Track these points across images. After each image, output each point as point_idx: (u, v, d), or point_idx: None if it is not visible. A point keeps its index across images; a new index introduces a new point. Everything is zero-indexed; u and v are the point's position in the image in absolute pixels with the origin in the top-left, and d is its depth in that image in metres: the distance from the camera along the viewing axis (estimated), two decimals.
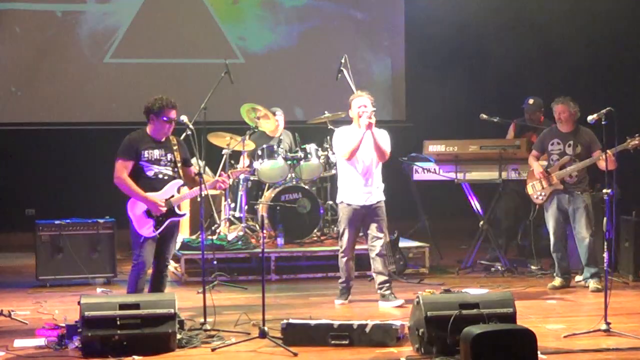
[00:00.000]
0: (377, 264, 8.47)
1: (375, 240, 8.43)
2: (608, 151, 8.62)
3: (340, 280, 8.62)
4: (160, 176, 7.46)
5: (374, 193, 8.39)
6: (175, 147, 7.55)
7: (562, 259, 9.23)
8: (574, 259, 9.39)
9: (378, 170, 8.44)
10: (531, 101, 10.44)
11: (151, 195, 7.38)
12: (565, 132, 9.14)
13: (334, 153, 10.60)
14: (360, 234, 8.63)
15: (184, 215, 7.77)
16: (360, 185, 8.35)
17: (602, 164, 8.41)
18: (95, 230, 9.61)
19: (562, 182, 9.10)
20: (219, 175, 8.02)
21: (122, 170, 7.38)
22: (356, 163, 8.34)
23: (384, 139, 8.39)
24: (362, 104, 8.32)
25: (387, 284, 8.49)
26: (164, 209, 7.40)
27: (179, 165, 7.55)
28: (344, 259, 8.47)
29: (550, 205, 9.21)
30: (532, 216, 9.80)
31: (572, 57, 13.32)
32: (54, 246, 9.49)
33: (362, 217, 8.40)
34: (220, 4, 13.38)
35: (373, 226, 8.42)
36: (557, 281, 9.24)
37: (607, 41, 13.17)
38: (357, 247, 8.71)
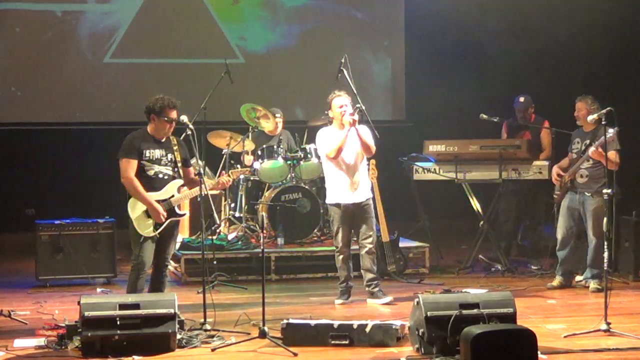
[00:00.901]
0: (365, 262, 8.52)
1: (365, 239, 8.49)
2: (593, 148, 8.67)
3: (339, 282, 8.64)
4: (161, 176, 7.46)
5: (361, 191, 8.46)
6: (175, 147, 7.56)
7: (566, 258, 9.21)
8: (574, 260, 9.36)
9: (363, 168, 8.52)
10: (522, 99, 10.45)
11: (152, 196, 7.37)
12: (586, 131, 9.10)
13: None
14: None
15: (183, 215, 7.78)
16: (347, 183, 8.41)
17: (603, 160, 8.41)
18: (95, 230, 9.60)
19: (572, 182, 9.08)
20: (219, 176, 8.02)
21: (129, 169, 7.38)
22: (341, 162, 8.40)
23: (367, 134, 8.45)
24: (342, 103, 8.40)
25: (375, 282, 8.54)
26: (163, 219, 7.39)
27: (179, 165, 7.56)
28: (340, 257, 8.51)
29: (563, 204, 9.20)
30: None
31: (572, 57, 13.32)
32: (54, 246, 9.48)
33: (352, 215, 8.45)
34: (220, 4, 13.38)
35: (363, 224, 8.48)
36: (556, 281, 9.23)
37: (607, 41, 13.16)
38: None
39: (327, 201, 8.62)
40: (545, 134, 10.36)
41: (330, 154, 8.37)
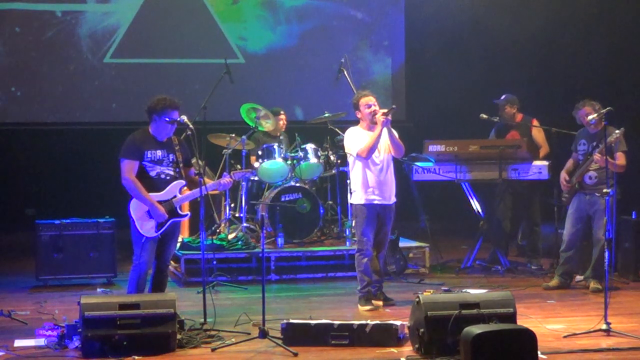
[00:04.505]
0: (377, 264, 8.44)
1: (383, 242, 8.42)
2: (598, 153, 8.66)
3: (361, 287, 8.31)
4: (163, 176, 7.45)
5: (390, 193, 8.33)
6: (176, 147, 7.54)
7: (568, 260, 9.16)
8: (577, 262, 9.34)
9: (392, 169, 8.39)
10: (502, 97, 10.44)
11: (154, 196, 7.36)
12: (592, 132, 9.06)
13: (334, 153, 10.62)
14: None
15: (186, 216, 7.75)
16: (376, 184, 8.25)
17: (609, 166, 8.39)
18: (95, 230, 9.59)
19: (580, 184, 9.05)
20: (220, 177, 8.02)
21: (129, 171, 7.36)
22: (372, 161, 8.24)
23: (396, 134, 8.36)
24: (371, 103, 8.26)
25: (380, 284, 8.49)
26: (165, 220, 7.39)
27: (180, 165, 7.55)
28: (365, 260, 8.25)
29: (570, 206, 9.17)
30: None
31: (574, 57, 13.32)
32: (54, 246, 9.47)
33: (377, 216, 8.29)
34: (220, 4, 13.39)
35: (384, 227, 8.36)
36: (554, 281, 9.21)
37: (609, 41, 13.17)
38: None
39: (354, 201, 8.37)
40: (536, 131, 10.35)
41: (362, 153, 8.16)
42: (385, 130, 8.16)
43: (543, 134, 10.28)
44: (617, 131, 8.53)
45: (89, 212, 10.04)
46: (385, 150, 8.28)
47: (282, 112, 11.03)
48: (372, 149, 8.16)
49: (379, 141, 8.17)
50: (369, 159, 8.21)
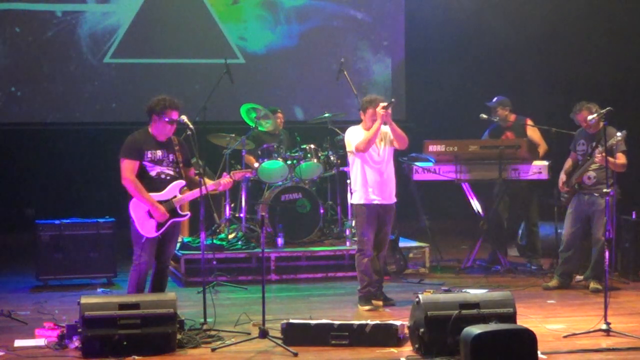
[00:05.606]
0: (377, 264, 8.44)
1: (383, 242, 8.41)
2: (598, 151, 8.66)
3: (361, 287, 8.33)
4: (163, 176, 7.45)
5: (390, 192, 8.33)
6: (176, 148, 7.54)
7: (567, 260, 9.17)
8: (576, 262, 9.33)
9: (392, 168, 8.37)
10: (494, 99, 10.42)
11: (154, 196, 7.36)
12: (591, 133, 9.06)
13: (334, 153, 10.61)
14: None
15: (186, 216, 7.75)
16: (377, 183, 8.24)
17: (610, 165, 8.40)
18: (95, 230, 9.59)
19: (580, 185, 9.04)
20: (220, 177, 8.02)
21: (130, 171, 7.35)
22: (372, 160, 8.24)
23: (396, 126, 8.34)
24: (377, 117, 8.18)
25: (380, 284, 8.48)
26: (166, 220, 7.38)
27: (180, 165, 7.54)
28: (365, 260, 8.26)
29: (569, 206, 9.17)
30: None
31: (574, 56, 13.31)
32: (54, 246, 9.48)
33: (378, 216, 8.29)
34: (220, 4, 13.38)
35: (384, 227, 8.35)
36: (553, 281, 9.21)
37: (609, 41, 13.17)
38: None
39: (354, 201, 8.38)
40: (531, 131, 10.34)
41: (360, 145, 8.14)
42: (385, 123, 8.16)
43: (539, 133, 10.29)
44: (618, 134, 8.53)
45: (89, 212, 10.04)
46: (385, 150, 8.27)
47: (279, 110, 11.04)
48: (370, 141, 8.15)
49: (377, 135, 8.17)
50: (366, 152, 8.19)
